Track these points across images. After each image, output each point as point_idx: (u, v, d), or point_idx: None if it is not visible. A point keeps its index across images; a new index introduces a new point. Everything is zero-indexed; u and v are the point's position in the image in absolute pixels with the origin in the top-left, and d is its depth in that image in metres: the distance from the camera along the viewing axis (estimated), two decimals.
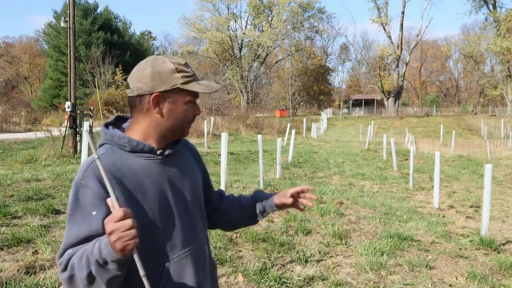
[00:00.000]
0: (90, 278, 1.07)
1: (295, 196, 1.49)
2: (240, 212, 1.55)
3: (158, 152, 1.27)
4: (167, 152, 1.29)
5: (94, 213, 1.13)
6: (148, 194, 1.22)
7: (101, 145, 1.28)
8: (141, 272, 1.07)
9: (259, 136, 8.72)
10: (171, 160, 1.31)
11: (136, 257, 1.05)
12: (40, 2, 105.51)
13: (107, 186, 1.06)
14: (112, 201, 1.05)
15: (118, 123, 1.34)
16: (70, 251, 1.13)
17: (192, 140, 19.66)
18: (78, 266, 1.08)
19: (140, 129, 1.26)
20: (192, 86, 1.25)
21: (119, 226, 1.00)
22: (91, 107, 13.66)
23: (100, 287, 1.08)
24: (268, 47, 48.13)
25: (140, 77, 1.23)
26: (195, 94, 1.27)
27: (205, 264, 1.37)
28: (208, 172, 1.56)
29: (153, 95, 1.22)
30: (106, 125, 1.30)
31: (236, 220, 1.57)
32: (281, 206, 1.51)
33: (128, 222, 1.01)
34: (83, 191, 1.15)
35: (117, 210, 1.02)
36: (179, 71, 1.24)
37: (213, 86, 1.29)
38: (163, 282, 1.23)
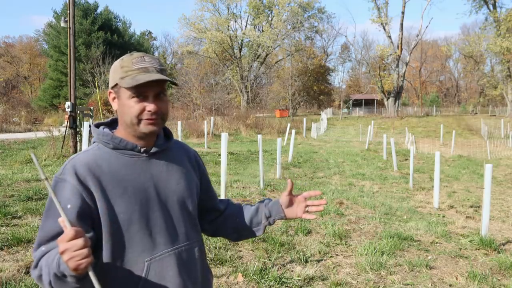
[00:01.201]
0: (51, 285, 1.10)
1: (303, 201, 1.46)
2: (245, 217, 1.49)
3: (142, 150, 1.28)
4: (153, 150, 1.29)
5: (68, 206, 1.15)
6: (129, 190, 1.22)
7: (93, 143, 1.31)
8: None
9: (259, 136, 8.72)
10: (158, 159, 1.31)
11: (91, 274, 1.04)
12: (40, 2, 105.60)
13: (57, 206, 1.04)
14: (63, 220, 1.03)
15: (113, 125, 1.36)
16: (43, 248, 1.15)
17: (192, 140, 19.65)
18: (45, 269, 1.10)
19: (120, 126, 1.30)
20: (125, 81, 1.21)
21: (70, 245, 1.00)
22: (91, 107, 13.64)
23: None
24: (268, 47, 48.12)
25: None
26: (136, 89, 1.21)
27: (193, 266, 1.34)
28: (209, 179, 1.54)
29: (108, 92, 1.30)
30: (97, 125, 1.32)
31: (239, 227, 1.50)
32: (287, 204, 1.45)
33: (79, 241, 1.00)
34: (61, 185, 1.18)
35: (68, 230, 1.01)
36: (122, 67, 1.25)
37: (142, 78, 1.20)
38: (143, 280, 1.22)
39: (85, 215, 1.16)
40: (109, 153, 1.25)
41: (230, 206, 1.55)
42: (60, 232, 1.12)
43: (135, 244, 1.22)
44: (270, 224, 1.48)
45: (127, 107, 1.23)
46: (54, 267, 1.06)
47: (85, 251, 1.01)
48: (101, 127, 1.31)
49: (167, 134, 1.39)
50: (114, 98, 1.28)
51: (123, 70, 1.23)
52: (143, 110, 1.22)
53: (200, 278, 1.36)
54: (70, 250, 1.00)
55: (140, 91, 1.21)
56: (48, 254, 1.12)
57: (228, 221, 1.52)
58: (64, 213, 1.11)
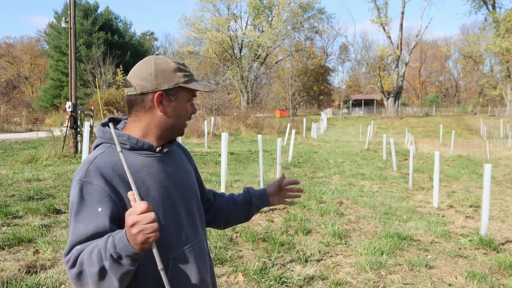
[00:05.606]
0: (102, 274, 1.06)
1: (284, 189, 1.62)
2: (235, 208, 1.61)
3: (157, 149, 1.29)
4: (165, 149, 1.31)
5: (99, 209, 1.14)
6: (151, 191, 1.23)
7: (97, 145, 1.28)
8: (159, 266, 1.08)
9: (259, 136, 8.72)
10: (169, 157, 1.34)
11: (155, 250, 1.07)
12: (41, 3, 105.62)
13: (129, 180, 1.08)
14: (133, 194, 1.06)
15: (113, 124, 1.34)
16: (78, 247, 1.13)
17: (192, 140, 19.67)
18: (88, 261, 1.07)
19: (140, 127, 1.28)
20: (193, 85, 1.29)
21: (142, 218, 1.01)
22: (92, 107, 13.66)
23: (110, 283, 1.07)
24: (268, 47, 48.14)
25: (144, 76, 1.25)
26: (194, 93, 1.32)
27: (206, 259, 1.40)
28: (199, 171, 1.61)
29: (157, 93, 1.24)
30: (103, 125, 1.31)
31: (230, 217, 1.62)
32: (274, 193, 1.62)
33: (151, 215, 1.02)
34: (88, 188, 1.16)
35: (140, 203, 1.03)
36: (180, 70, 1.27)
37: (211, 86, 1.34)
38: (168, 277, 1.23)
39: (117, 217, 1.15)
40: (125, 153, 1.23)
41: (218, 197, 1.64)
42: (94, 234, 1.12)
43: (160, 243, 1.22)
44: (258, 212, 1.65)
45: (184, 110, 1.31)
46: (109, 248, 1.04)
47: (155, 224, 1.02)
48: (107, 127, 1.29)
49: None
50: (162, 100, 1.25)
51: (184, 74, 1.28)
52: (191, 112, 1.34)
53: (209, 269, 1.43)
54: (141, 222, 1.00)
55: (195, 96, 1.34)
56: (88, 248, 1.10)
57: (219, 213, 1.60)
58: (96, 216, 1.13)
